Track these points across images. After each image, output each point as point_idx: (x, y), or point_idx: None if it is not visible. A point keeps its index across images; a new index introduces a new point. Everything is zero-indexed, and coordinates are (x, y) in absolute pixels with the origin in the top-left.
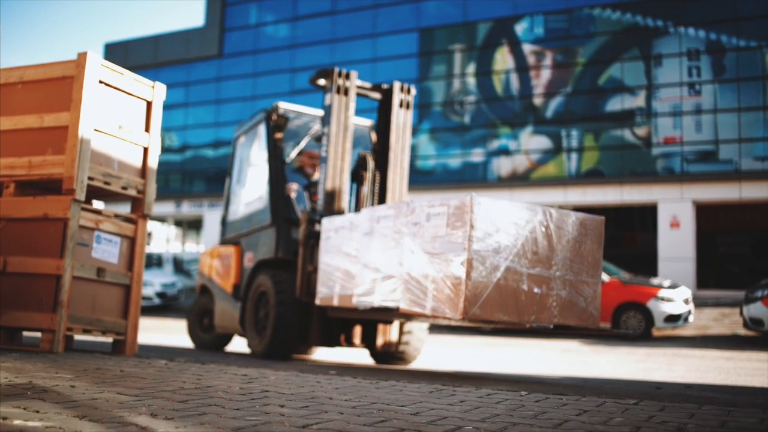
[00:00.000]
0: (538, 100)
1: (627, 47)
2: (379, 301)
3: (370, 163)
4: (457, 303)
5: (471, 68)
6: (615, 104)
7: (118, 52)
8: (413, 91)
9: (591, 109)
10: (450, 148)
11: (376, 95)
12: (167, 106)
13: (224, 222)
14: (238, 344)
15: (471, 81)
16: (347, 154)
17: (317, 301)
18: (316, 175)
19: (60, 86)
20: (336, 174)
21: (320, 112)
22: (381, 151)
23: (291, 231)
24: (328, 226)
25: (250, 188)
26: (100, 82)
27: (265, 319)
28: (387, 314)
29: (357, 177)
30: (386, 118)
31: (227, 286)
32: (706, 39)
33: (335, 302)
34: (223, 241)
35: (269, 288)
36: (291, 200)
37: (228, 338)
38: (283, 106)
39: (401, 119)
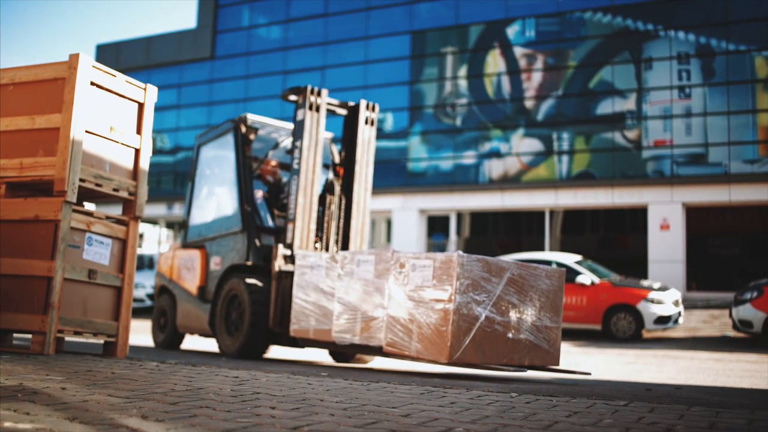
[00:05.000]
0: (529, 103)
1: (618, 50)
2: (360, 340)
3: (337, 188)
4: (442, 348)
5: (463, 71)
6: (606, 107)
7: (110, 54)
8: (377, 108)
9: (582, 111)
10: (442, 151)
11: (343, 111)
12: (159, 108)
13: (185, 226)
14: (192, 342)
15: (463, 84)
16: (318, 167)
17: (291, 333)
18: (271, 178)
19: (51, 88)
20: (308, 186)
21: (284, 124)
22: (347, 165)
23: (261, 237)
24: (302, 262)
25: (216, 195)
26: (92, 83)
27: (238, 321)
28: (367, 351)
29: (323, 199)
30: (352, 133)
31: (192, 288)
32: (696, 42)
33: (311, 335)
34: (185, 245)
35: (242, 292)
36: (259, 208)
37: (181, 337)
38: (251, 117)
39: (366, 135)
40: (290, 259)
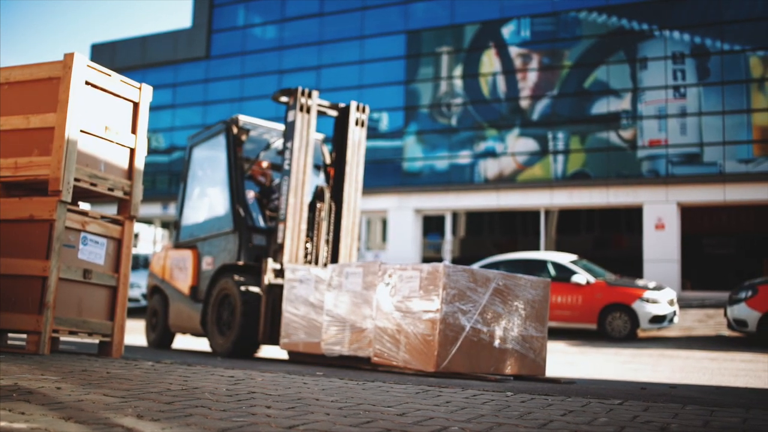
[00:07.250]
0: (524, 103)
1: (613, 50)
2: (349, 351)
3: (327, 194)
4: (429, 358)
5: (458, 70)
6: (601, 107)
7: (105, 53)
8: (368, 109)
9: (577, 111)
10: (437, 150)
11: (334, 113)
12: (154, 108)
13: (178, 226)
14: (183, 342)
15: (458, 83)
16: (308, 168)
17: (281, 346)
18: (262, 179)
19: (46, 87)
20: (298, 186)
21: (276, 125)
22: (337, 165)
23: (252, 237)
24: (291, 276)
25: (208, 195)
26: (87, 83)
27: (230, 320)
28: (356, 362)
29: (313, 206)
30: (342, 134)
31: (184, 288)
32: (690, 42)
33: (300, 349)
34: (177, 245)
35: (234, 291)
36: (250, 208)
37: (172, 336)
38: (243, 118)
39: (357, 136)
40: (280, 273)
